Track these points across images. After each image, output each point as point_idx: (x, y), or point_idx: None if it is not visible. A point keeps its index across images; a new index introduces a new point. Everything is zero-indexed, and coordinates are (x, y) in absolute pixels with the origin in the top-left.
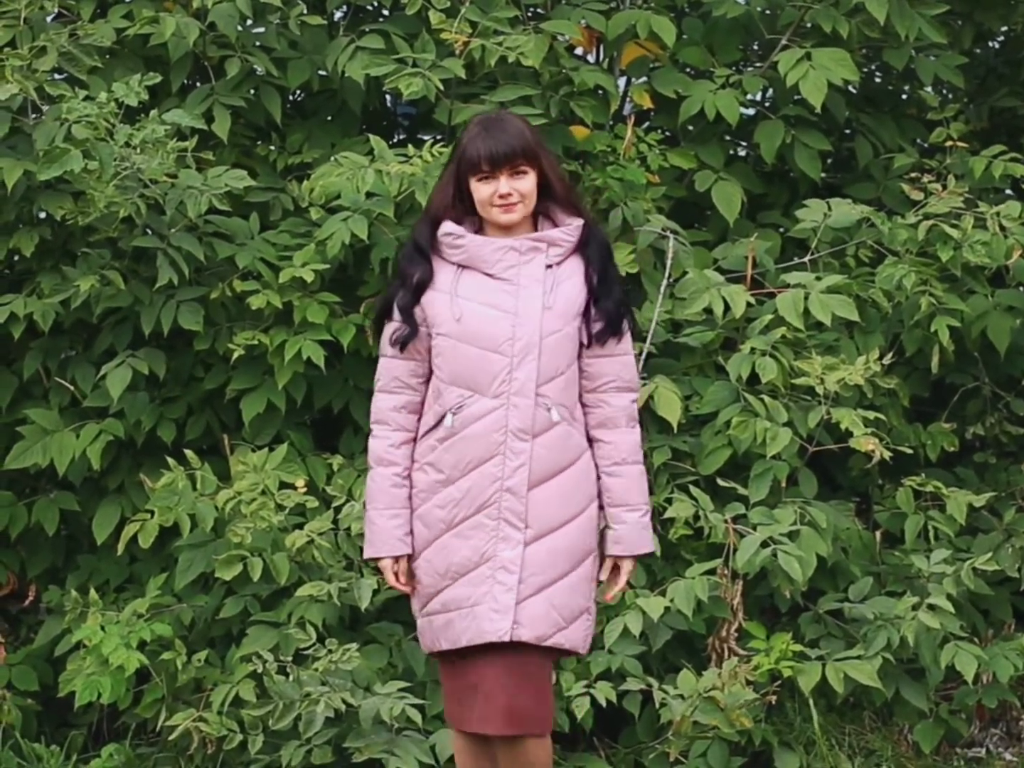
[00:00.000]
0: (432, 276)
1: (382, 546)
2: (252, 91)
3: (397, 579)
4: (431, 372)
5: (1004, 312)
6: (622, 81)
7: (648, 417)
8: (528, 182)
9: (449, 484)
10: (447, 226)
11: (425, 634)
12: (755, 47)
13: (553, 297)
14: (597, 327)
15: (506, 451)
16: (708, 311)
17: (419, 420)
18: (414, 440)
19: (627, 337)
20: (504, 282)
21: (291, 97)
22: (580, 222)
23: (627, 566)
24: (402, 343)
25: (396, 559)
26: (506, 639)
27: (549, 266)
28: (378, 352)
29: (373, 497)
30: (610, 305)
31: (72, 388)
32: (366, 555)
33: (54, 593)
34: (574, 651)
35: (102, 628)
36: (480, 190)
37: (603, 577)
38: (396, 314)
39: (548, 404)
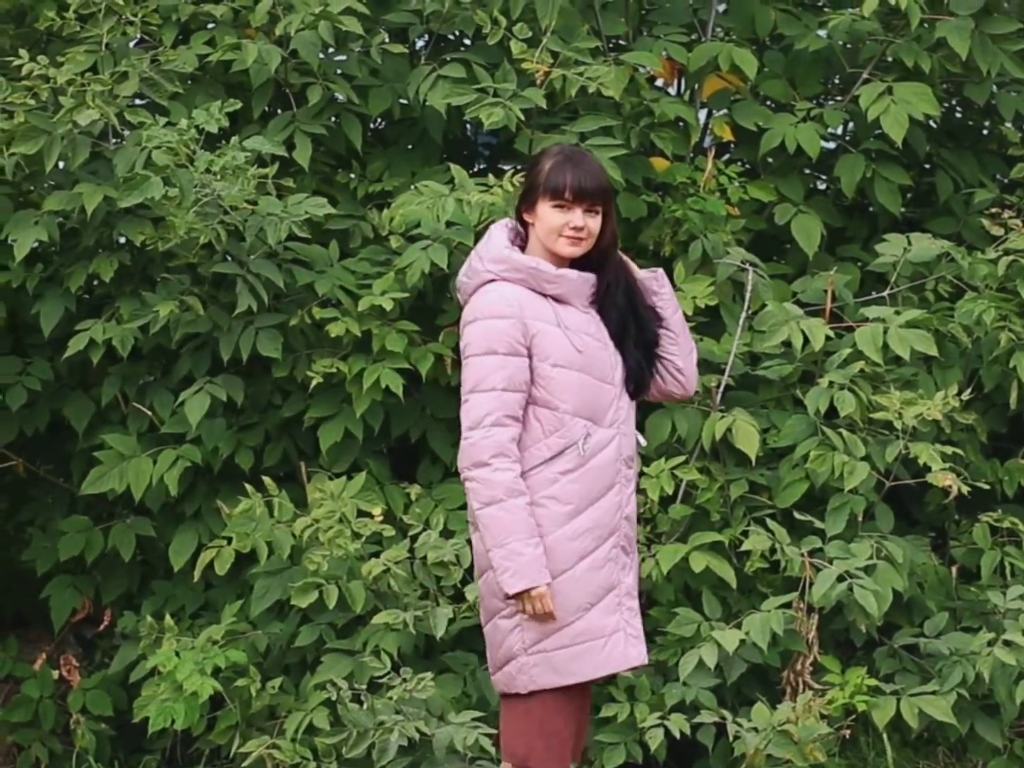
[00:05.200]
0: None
1: (537, 575)
2: (333, 119)
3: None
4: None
5: None
6: (703, 113)
7: (726, 450)
8: (598, 222)
9: (577, 515)
10: (536, 260)
11: (535, 670)
12: (836, 81)
13: None
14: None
15: (621, 479)
16: (787, 344)
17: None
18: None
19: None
20: (588, 314)
21: (372, 125)
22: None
23: None
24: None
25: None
26: (645, 662)
27: None
28: (471, 387)
29: (514, 529)
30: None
31: (150, 414)
32: (516, 588)
33: (129, 619)
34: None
35: (177, 654)
36: (553, 217)
37: None
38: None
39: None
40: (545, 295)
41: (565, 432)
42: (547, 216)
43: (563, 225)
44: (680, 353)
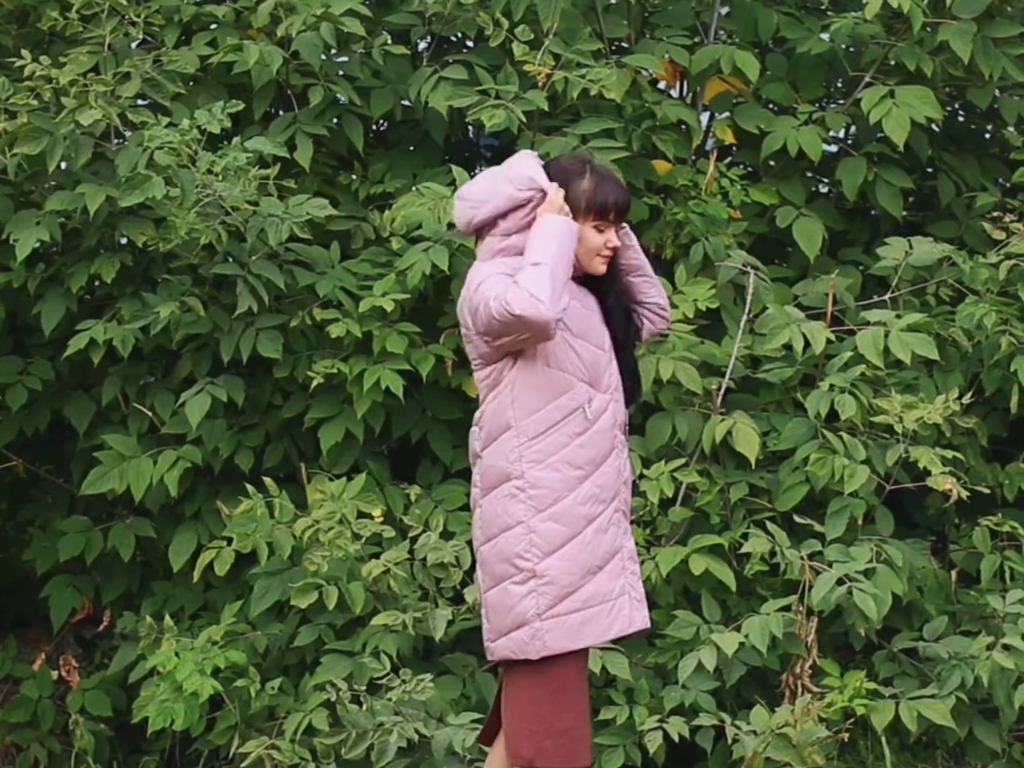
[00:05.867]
0: None
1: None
2: (335, 120)
3: None
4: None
5: None
6: (705, 116)
7: (726, 452)
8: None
9: (585, 480)
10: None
11: (548, 635)
12: (838, 84)
13: None
14: None
15: (618, 444)
16: (788, 347)
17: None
18: None
19: None
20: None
21: (374, 126)
22: None
23: None
24: None
25: None
26: (648, 626)
27: None
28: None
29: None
30: None
31: (151, 414)
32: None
33: (129, 619)
34: None
35: (176, 654)
36: (595, 238)
37: None
38: None
39: None
40: None
41: (573, 395)
42: (589, 236)
43: (602, 245)
44: (658, 294)
